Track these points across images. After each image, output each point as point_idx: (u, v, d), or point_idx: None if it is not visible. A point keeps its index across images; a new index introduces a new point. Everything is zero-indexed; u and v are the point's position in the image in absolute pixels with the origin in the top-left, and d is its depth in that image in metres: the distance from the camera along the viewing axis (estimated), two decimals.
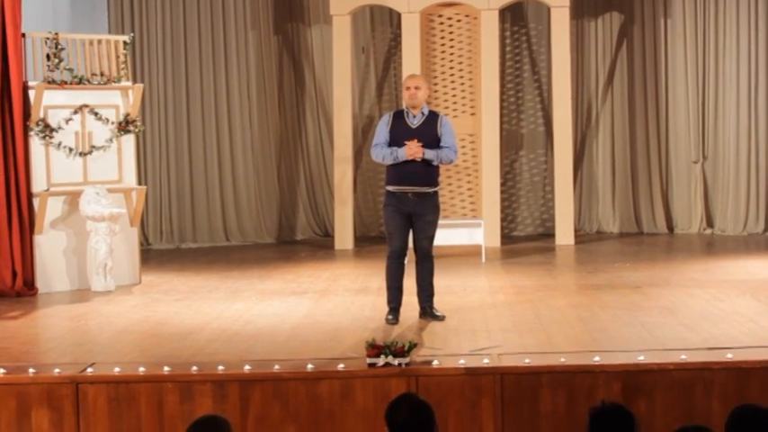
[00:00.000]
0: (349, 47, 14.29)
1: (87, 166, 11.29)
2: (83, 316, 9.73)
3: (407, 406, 4.83)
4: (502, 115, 14.66)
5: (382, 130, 8.97)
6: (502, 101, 14.76)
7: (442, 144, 8.88)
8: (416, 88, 8.91)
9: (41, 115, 10.98)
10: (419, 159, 8.77)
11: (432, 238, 9.00)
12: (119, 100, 11.52)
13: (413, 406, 4.84)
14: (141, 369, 7.20)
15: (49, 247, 11.10)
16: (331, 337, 8.33)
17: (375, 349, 7.10)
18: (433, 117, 8.98)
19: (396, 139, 8.87)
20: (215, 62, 15.15)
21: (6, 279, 10.83)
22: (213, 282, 11.51)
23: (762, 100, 14.68)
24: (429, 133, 8.87)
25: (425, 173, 8.86)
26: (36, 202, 10.95)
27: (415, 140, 8.76)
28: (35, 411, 7.03)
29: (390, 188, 8.93)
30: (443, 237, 11.35)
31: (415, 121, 8.92)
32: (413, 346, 7.23)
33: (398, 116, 9.00)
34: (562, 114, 14.11)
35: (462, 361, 7.21)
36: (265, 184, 15.38)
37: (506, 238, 14.65)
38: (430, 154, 8.79)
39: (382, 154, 8.89)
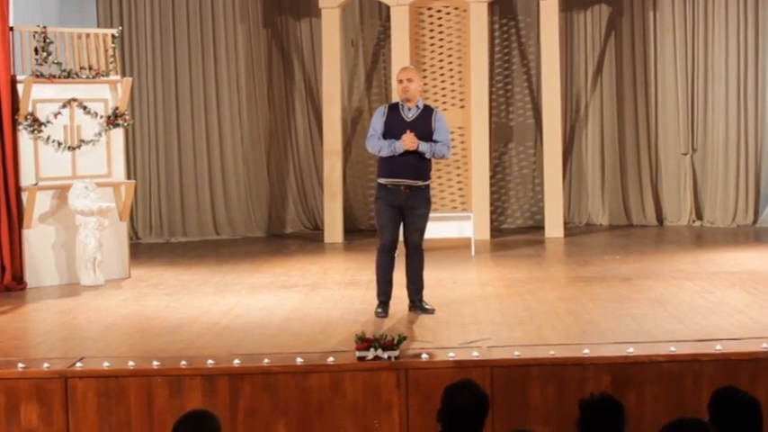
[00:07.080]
0: (338, 40, 14.27)
1: (76, 160, 11.26)
2: (72, 310, 9.71)
3: (471, 393, 4.86)
4: (491, 108, 14.66)
5: (378, 122, 8.95)
6: (491, 93, 14.76)
7: (435, 138, 8.86)
8: (409, 81, 8.89)
9: (30, 109, 10.95)
10: (413, 150, 8.75)
11: (422, 231, 8.99)
12: (107, 94, 11.50)
13: (475, 395, 4.86)
14: (130, 363, 7.19)
15: (38, 242, 11.08)
16: (321, 331, 8.33)
17: (365, 343, 7.11)
18: (427, 111, 8.96)
19: (391, 132, 8.85)
20: (204, 55, 15.11)
21: None
22: (203, 276, 11.50)
23: (751, 92, 14.70)
24: (423, 127, 8.86)
25: (418, 166, 8.84)
26: (25, 196, 10.93)
27: (411, 132, 8.75)
28: (24, 406, 7.02)
29: (382, 181, 8.91)
30: (433, 230, 11.29)
31: (410, 114, 8.90)
32: (402, 339, 7.23)
33: (393, 109, 8.98)
34: (551, 107, 14.10)
35: (452, 354, 7.21)
36: (255, 178, 15.36)
37: (496, 230, 14.66)
38: (424, 146, 8.77)
39: (379, 145, 8.86)
